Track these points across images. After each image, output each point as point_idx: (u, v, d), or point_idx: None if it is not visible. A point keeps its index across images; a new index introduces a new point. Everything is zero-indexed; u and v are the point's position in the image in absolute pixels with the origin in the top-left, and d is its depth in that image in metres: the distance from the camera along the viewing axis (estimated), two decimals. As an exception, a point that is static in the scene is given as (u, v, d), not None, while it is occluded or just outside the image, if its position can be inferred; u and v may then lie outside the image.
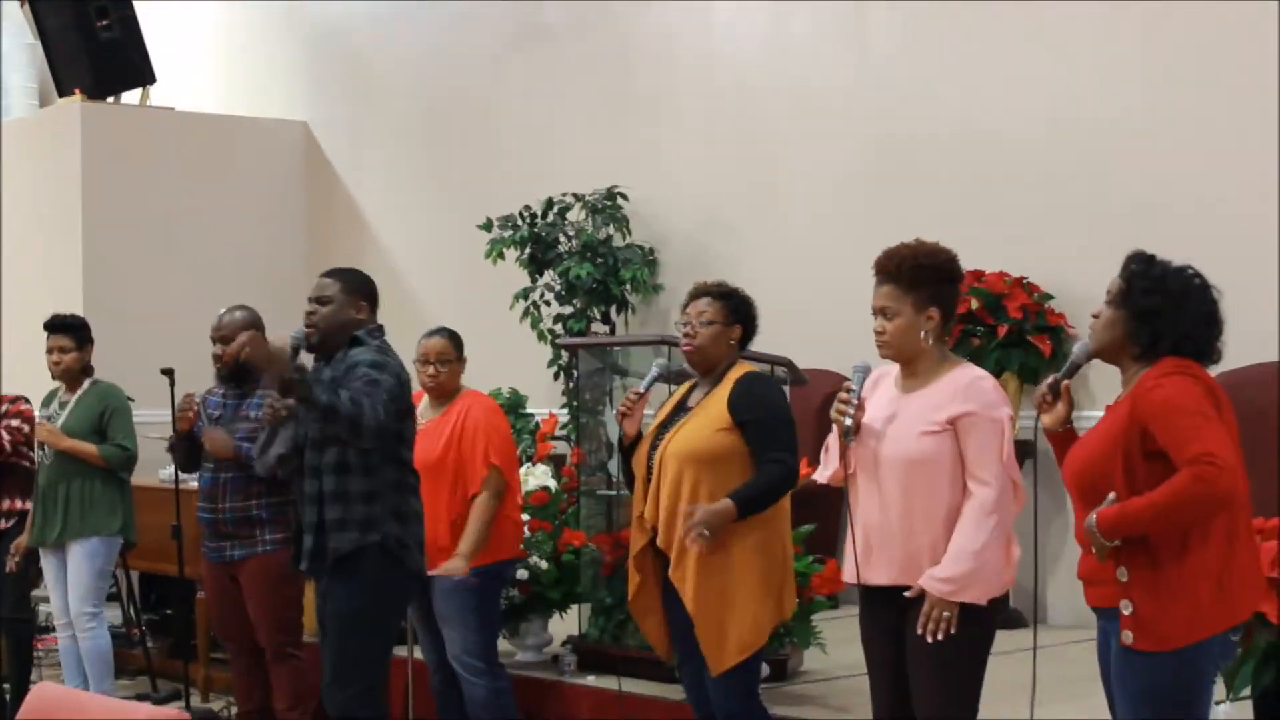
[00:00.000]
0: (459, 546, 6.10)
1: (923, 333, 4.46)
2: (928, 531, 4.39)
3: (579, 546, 6.98)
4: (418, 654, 6.71)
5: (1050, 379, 4.21)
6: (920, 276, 4.47)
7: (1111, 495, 3.92)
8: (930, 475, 4.39)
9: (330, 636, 5.55)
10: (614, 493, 7.13)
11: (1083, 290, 8.04)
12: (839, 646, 6.16)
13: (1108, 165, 8.21)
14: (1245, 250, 7.44)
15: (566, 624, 7.23)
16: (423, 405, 6.31)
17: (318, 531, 5.48)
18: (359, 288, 5.67)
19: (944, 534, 4.38)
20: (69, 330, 7.39)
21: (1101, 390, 4.38)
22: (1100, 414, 4.17)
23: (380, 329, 5.67)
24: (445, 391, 6.31)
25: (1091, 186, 8.26)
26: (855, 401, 4.48)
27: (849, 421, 4.46)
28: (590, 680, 6.68)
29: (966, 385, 4.43)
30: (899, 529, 4.42)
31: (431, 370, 6.27)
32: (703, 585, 5.11)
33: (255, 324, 6.61)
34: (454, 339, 6.34)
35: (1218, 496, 3.80)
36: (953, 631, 4.30)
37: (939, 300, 4.49)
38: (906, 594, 4.36)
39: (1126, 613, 3.90)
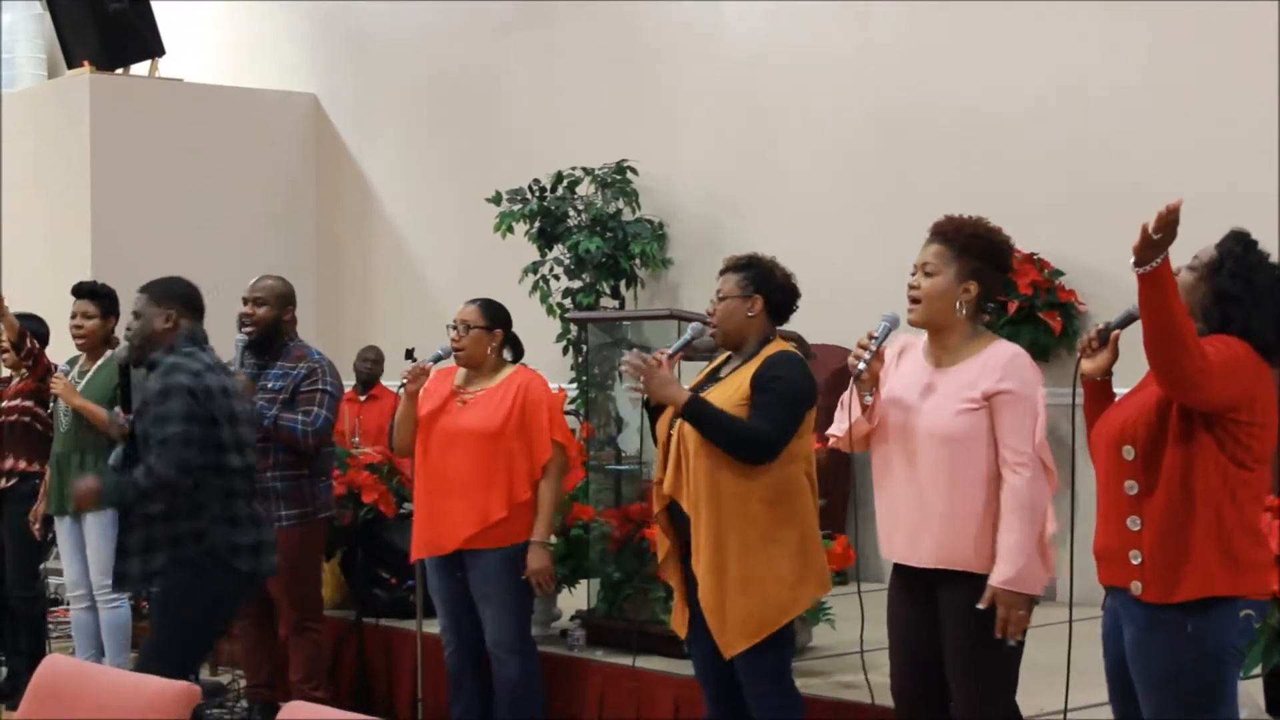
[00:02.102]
0: (535, 534, 6.05)
1: (957, 303, 4.40)
2: (969, 514, 4.35)
3: (587, 521, 6.97)
4: (426, 628, 6.73)
5: (1102, 325, 4.15)
6: (972, 247, 4.43)
7: (1128, 448, 3.90)
8: (969, 454, 4.35)
9: (152, 629, 5.47)
10: (623, 467, 7.12)
11: (1093, 266, 8.03)
12: (846, 622, 6.14)
13: (1118, 141, 8.19)
14: (1255, 228, 7.41)
15: (575, 599, 7.23)
16: (461, 376, 6.27)
17: (145, 551, 5.35)
18: (166, 295, 5.50)
19: (986, 516, 4.34)
20: (95, 297, 7.33)
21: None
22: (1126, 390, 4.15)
23: (193, 336, 5.47)
24: (473, 361, 6.20)
25: (1102, 162, 8.23)
26: (874, 349, 4.42)
27: (862, 366, 4.40)
28: (598, 655, 6.68)
29: (1006, 361, 4.39)
30: (942, 510, 4.37)
31: (454, 334, 6.20)
32: (712, 568, 5.06)
33: (288, 294, 6.63)
34: (486, 308, 6.23)
35: (1193, 374, 3.74)
36: (1027, 626, 4.28)
37: (981, 277, 4.44)
38: (980, 606, 4.31)
39: (1135, 562, 3.88)
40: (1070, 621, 4.37)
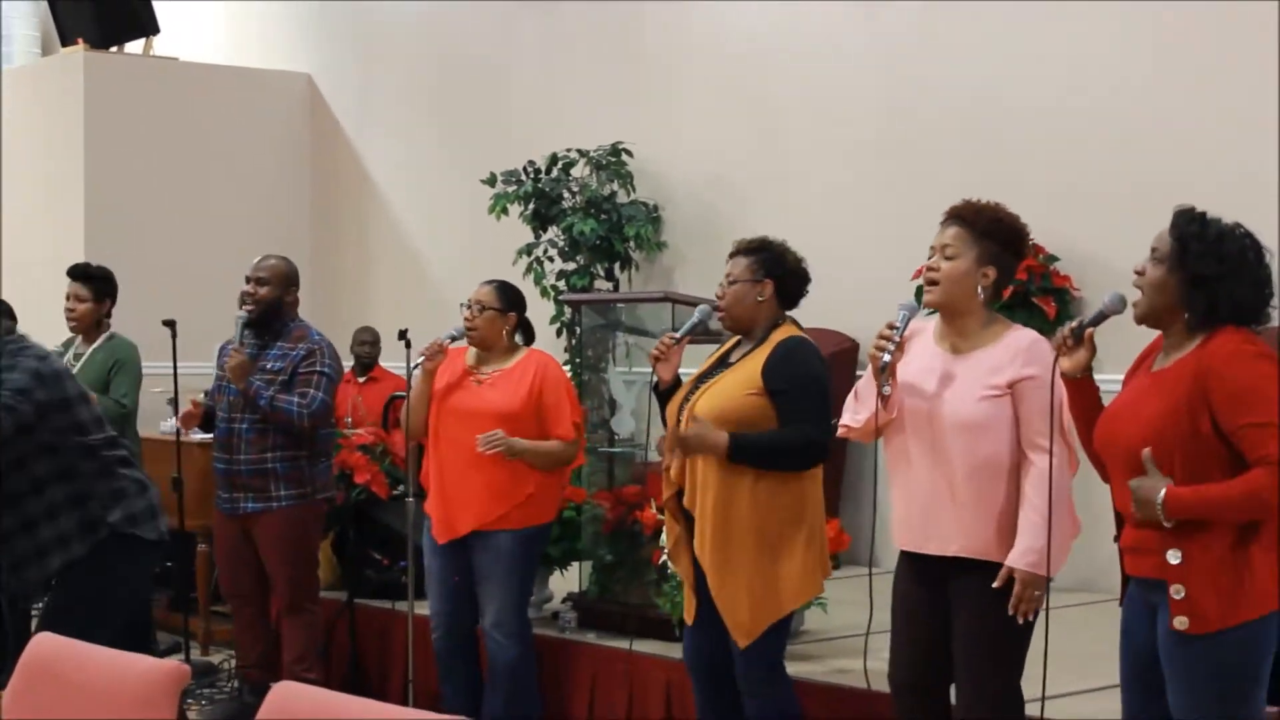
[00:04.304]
0: (519, 442, 5.98)
1: (979, 287, 4.37)
2: (991, 502, 4.33)
3: (580, 504, 6.96)
4: (418, 610, 6.72)
5: (1075, 322, 4.07)
6: (993, 232, 4.40)
7: (1147, 454, 3.77)
8: (990, 442, 4.32)
9: (67, 619, 5.06)
10: (615, 450, 7.11)
11: (1089, 252, 8.01)
12: (839, 607, 6.15)
13: (1115, 127, 8.17)
14: (1252, 215, 7.40)
15: (567, 581, 7.22)
16: (473, 356, 6.23)
17: (39, 558, 5.18)
18: None
19: (1007, 504, 4.32)
20: (89, 280, 7.31)
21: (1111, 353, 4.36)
22: (1110, 377, 4.13)
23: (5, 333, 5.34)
24: (484, 342, 6.17)
25: (1098, 149, 8.21)
26: (897, 340, 4.37)
27: (887, 358, 4.35)
28: (590, 638, 6.68)
29: (1028, 347, 4.36)
30: (964, 498, 4.35)
31: (468, 314, 6.18)
32: (721, 559, 5.03)
33: (291, 275, 6.62)
34: (502, 291, 6.20)
35: None
36: (1040, 608, 4.26)
37: (1000, 263, 4.41)
38: (995, 585, 4.29)
39: (1179, 598, 3.77)
40: (1047, 610, 4.37)
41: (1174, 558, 3.77)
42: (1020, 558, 4.27)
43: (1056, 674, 4.44)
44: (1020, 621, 4.31)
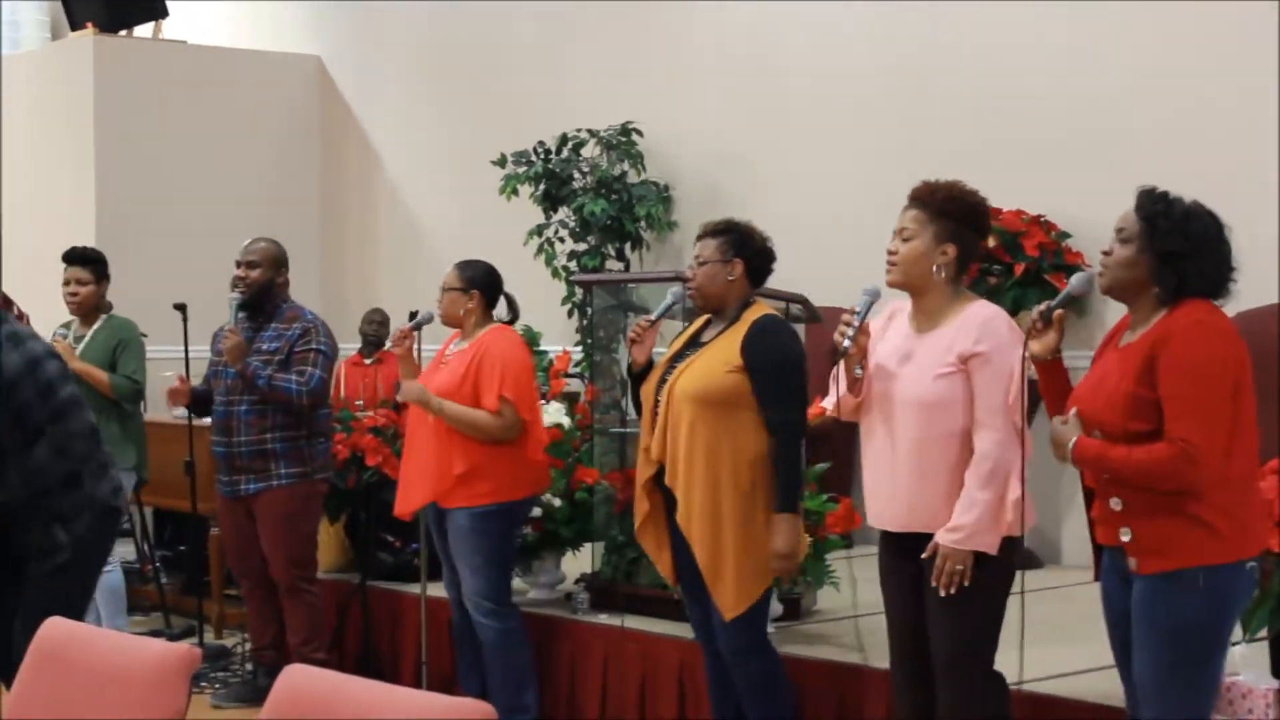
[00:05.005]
0: (437, 399, 6.01)
1: (935, 266, 4.42)
2: (941, 478, 4.37)
3: (592, 484, 6.95)
4: (431, 591, 6.72)
5: (1043, 305, 4.15)
6: (948, 210, 4.44)
7: (1095, 432, 3.91)
8: (945, 419, 4.36)
9: (51, 591, 5.05)
10: (628, 430, 7.10)
11: (1101, 228, 7.83)
12: (853, 585, 6.15)
13: (1124, 103, 8.13)
14: (1264, 190, 7.38)
15: (579, 562, 7.22)
16: (456, 340, 6.30)
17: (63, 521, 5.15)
18: None
19: (958, 480, 4.35)
20: (87, 263, 7.35)
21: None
22: (1082, 353, 4.15)
23: None
24: (451, 322, 6.27)
25: (1109, 124, 8.17)
26: (856, 324, 4.43)
27: (847, 343, 4.41)
28: (603, 618, 6.67)
29: (981, 323, 4.40)
30: (912, 474, 4.41)
31: (439, 297, 6.27)
32: (708, 533, 5.08)
33: (281, 257, 6.64)
34: (462, 270, 6.26)
35: (1184, 483, 3.80)
36: (966, 583, 4.29)
37: (958, 240, 4.45)
38: (923, 556, 4.35)
39: (1126, 540, 3.90)
40: (1023, 592, 4.41)
41: (1116, 505, 3.91)
42: (945, 533, 4.32)
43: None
44: (942, 594, 4.32)
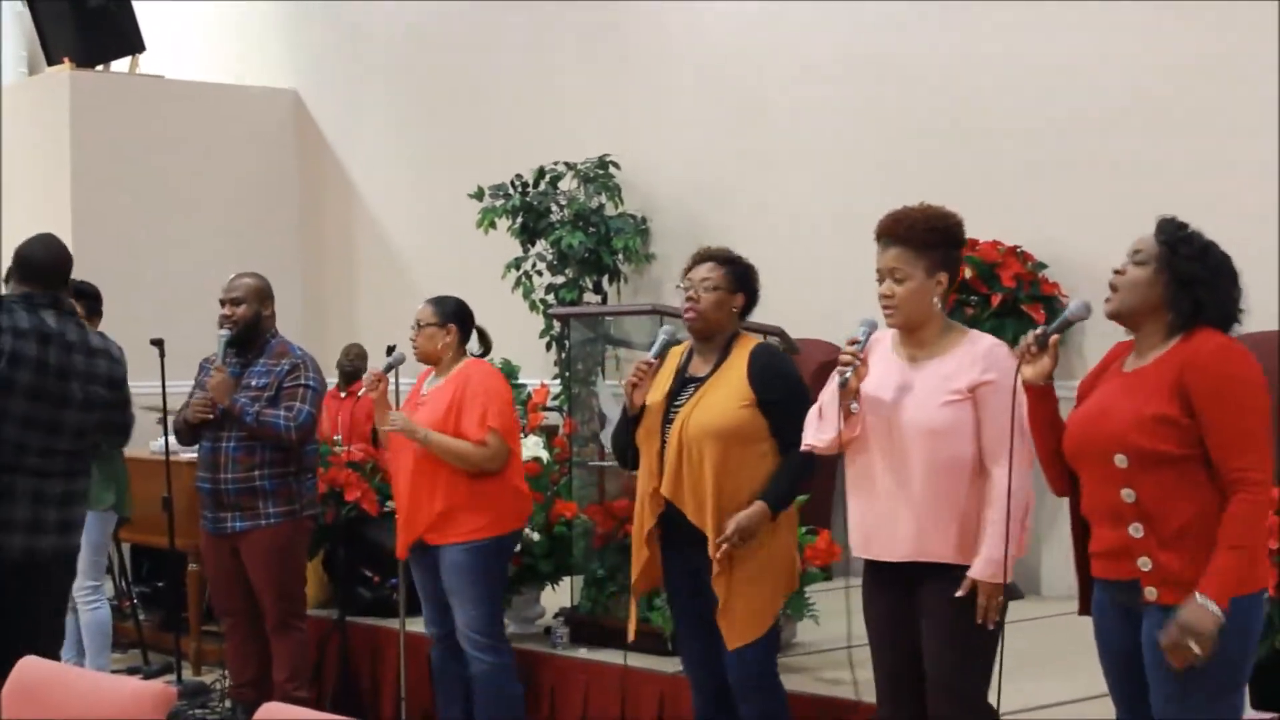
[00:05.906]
0: (423, 431, 6.03)
1: (935, 298, 4.40)
2: (953, 504, 4.34)
3: (571, 518, 6.95)
4: (410, 627, 6.70)
5: (1039, 330, 4.09)
6: (932, 240, 4.41)
7: (1120, 456, 3.83)
8: (953, 445, 4.34)
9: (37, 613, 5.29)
10: (606, 464, 7.09)
11: (1076, 259, 8.00)
12: (832, 618, 6.11)
13: (1103, 135, 8.16)
14: (1243, 220, 7.40)
15: (558, 596, 7.20)
16: (431, 377, 6.31)
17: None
18: None
19: (969, 507, 4.34)
20: (79, 297, 7.29)
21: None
22: (1064, 383, 4.13)
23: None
24: (428, 358, 6.26)
25: (1086, 156, 8.20)
26: (861, 357, 4.40)
27: (848, 374, 4.37)
28: (582, 653, 6.66)
29: (985, 352, 4.39)
30: (921, 502, 4.36)
31: (413, 334, 6.27)
32: (722, 569, 5.05)
33: (265, 290, 6.60)
34: (438, 305, 6.27)
35: (1270, 511, 3.80)
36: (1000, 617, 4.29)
37: (948, 265, 4.44)
38: (958, 594, 4.30)
39: (1146, 569, 3.82)
40: (1002, 623, 4.36)
41: (1137, 532, 3.83)
42: (981, 569, 4.29)
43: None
44: (990, 627, 4.32)
